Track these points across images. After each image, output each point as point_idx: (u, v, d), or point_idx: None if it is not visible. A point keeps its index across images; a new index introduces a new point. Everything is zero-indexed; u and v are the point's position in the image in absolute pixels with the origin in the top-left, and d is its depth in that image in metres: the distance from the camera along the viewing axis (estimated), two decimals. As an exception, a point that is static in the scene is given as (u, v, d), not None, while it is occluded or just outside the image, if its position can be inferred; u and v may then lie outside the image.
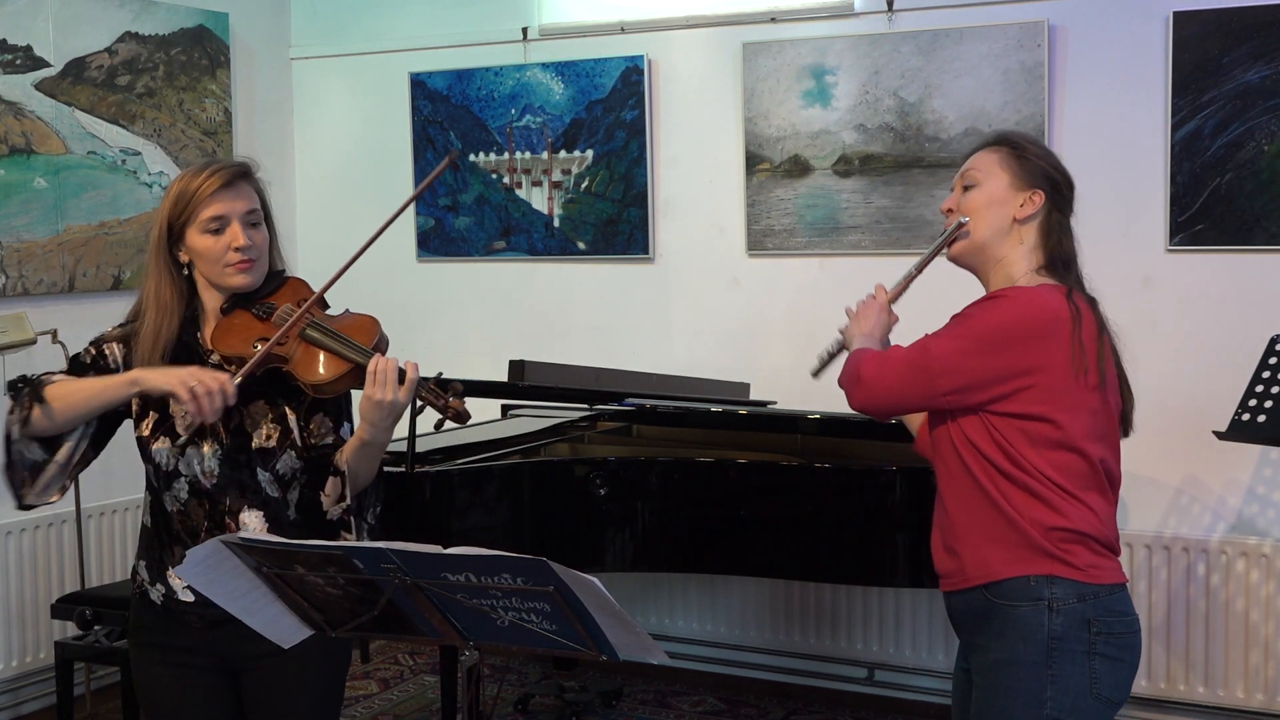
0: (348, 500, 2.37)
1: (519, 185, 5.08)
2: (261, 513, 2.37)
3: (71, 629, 4.21)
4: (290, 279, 2.48)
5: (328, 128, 5.50)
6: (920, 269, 2.49)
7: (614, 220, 4.93)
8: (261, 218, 2.42)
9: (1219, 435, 3.43)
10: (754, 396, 4.48)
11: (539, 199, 5.05)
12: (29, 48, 4.50)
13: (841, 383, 2.42)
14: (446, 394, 2.34)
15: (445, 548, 1.92)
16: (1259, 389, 3.39)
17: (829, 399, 4.52)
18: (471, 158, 5.16)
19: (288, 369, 2.35)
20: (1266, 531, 4.08)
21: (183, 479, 2.36)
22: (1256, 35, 3.93)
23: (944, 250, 2.44)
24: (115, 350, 2.42)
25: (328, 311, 2.45)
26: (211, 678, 2.41)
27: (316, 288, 2.43)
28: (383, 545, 1.92)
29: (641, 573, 4.49)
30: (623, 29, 4.88)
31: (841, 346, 2.54)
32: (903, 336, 2.48)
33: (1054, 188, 2.39)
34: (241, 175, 2.40)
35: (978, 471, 2.29)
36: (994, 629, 2.28)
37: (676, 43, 4.82)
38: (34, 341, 4.23)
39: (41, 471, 2.36)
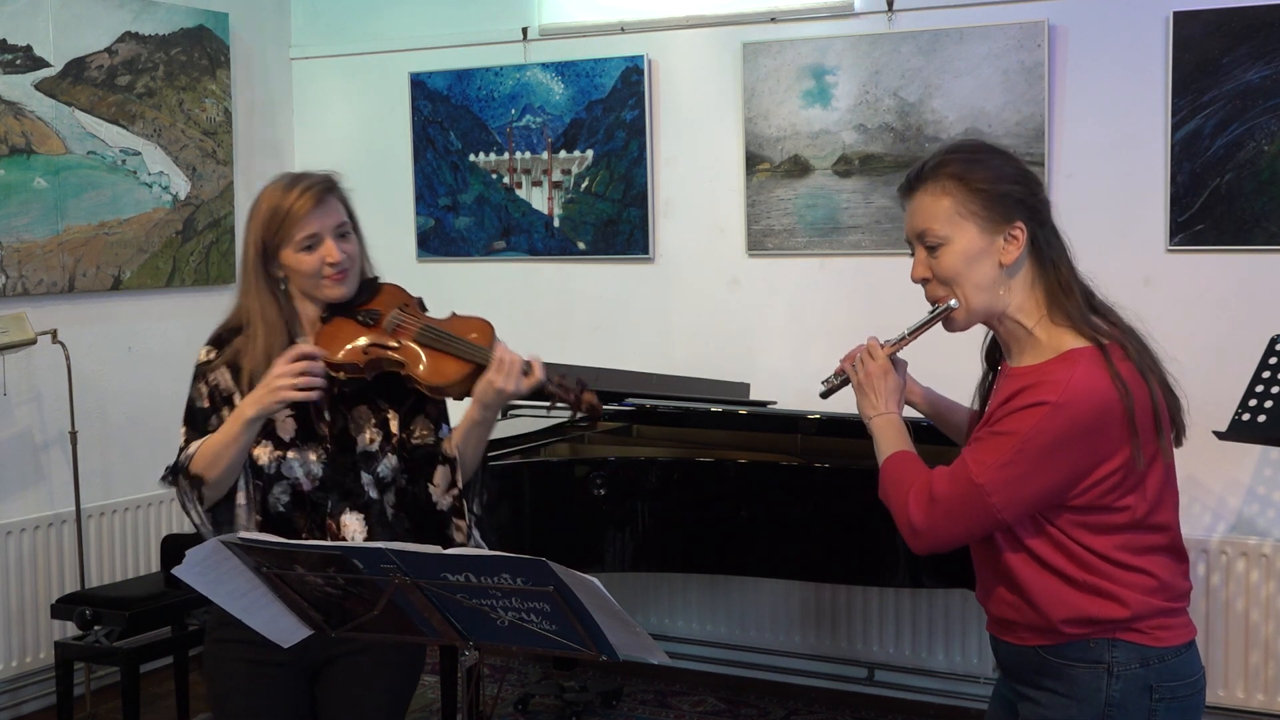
0: (459, 485, 2.42)
1: (519, 185, 5.08)
2: (362, 515, 2.40)
3: (71, 629, 4.21)
4: (385, 285, 2.51)
5: (328, 128, 5.49)
6: (914, 335, 2.21)
7: (614, 220, 4.93)
8: (350, 228, 2.44)
9: (1219, 435, 3.43)
10: (754, 396, 4.48)
11: (539, 199, 5.05)
12: (29, 48, 4.50)
13: (897, 522, 2.14)
14: (577, 387, 2.36)
15: (445, 548, 1.92)
16: (1259, 389, 3.39)
17: (828, 400, 4.55)
18: (471, 158, 5.16)
19: (406, 373, 2.38)
20: (1266, 531, 4.08)
21: (285, 482, 2.38)
22: (1256, 35, 3.93)
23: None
24: (224, 378, 2.42)
25: (428, 314, 2.48)
26: (291, 677, 2.43)
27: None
28: (382, 545, 1.92)
29: (641, 573, 4.49)
30: (623, 29, 4.88)
31: (845, 380, 2.32)
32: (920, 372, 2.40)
33: (1029, 209, 2.07)
34: (329, 190, 2.41)
35: (1021, 560, 2.08)
36: (1046, 684, 2.09)
37: (676, 43, 4.81)
38: (34, 341, 4.23)
39: (234, 520, 2.38)
